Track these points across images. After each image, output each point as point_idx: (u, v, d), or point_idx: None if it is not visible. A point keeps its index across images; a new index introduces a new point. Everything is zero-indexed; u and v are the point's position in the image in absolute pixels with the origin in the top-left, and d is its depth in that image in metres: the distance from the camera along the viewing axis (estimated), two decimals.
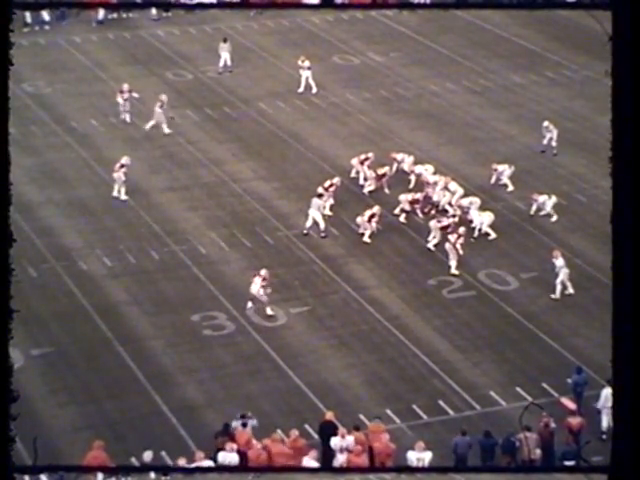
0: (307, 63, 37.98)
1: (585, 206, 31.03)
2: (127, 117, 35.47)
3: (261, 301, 25.86)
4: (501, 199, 31.30)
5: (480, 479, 19.19)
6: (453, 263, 27.58)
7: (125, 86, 35.68)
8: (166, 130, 34.42)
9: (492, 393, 23.55)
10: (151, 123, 34.71)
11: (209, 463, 20.17)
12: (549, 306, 26.54)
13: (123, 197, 31.22)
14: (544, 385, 23.69)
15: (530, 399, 23.14)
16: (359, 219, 29.11)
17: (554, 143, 33.73)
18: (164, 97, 35.26)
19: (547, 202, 30.12)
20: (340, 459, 20.54)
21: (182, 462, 20.01)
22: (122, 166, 31.22)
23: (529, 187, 31.62)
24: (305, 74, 37.91)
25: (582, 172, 32.98)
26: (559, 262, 26.64)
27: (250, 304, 25.95)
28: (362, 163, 31.84)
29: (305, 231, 29.26)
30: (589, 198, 31.39)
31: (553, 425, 21.30)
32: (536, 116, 35.73)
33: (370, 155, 31.90)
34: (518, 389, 23.63)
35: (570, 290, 26.65)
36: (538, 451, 20.97)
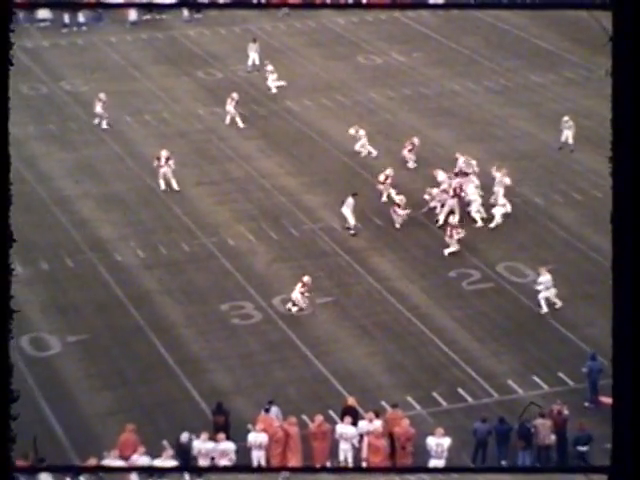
0: (271, 67, 37.84)
1: (601, 201, 30.86)
2: (104, 123, 35.19)
3: (298, 305, 25.69)
4: (519, 194, 31.18)
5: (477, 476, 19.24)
6: (452, 249, 27.67)
7: (102, 95, 35.40)
8: (240, 124, 34.96)
9: (509, 381, 23.51)
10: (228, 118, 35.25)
11: (230, 444, 20.34)
12: (565, 297, 26.43)
13: (175, 187, 31.43)
14: (560, 374, 23.64)
15: (546, 388, 23.13)
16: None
17: (571, 140, 33.58)
18: (235, 95, 35.55)
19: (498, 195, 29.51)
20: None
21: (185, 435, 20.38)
22: (168, 159, 31.47)
23: (547, 183, 31.49)
24: (272, 80, 37.74)
25: (598, 168, 32.80)
26: (544, 278, 25.40)
27: (290, 305, 25.80)
28: (410, 151, 32.13)
29: (352, 231, 29.02)
30: (605, 194, 31.22)
31: (566, 412, 21.28)
32: (554, 114, 35.58)
33: (415, 141, 32.02)
34: (535, 378, 23.58)
35: (558, 304, 25.56)
36: (552, 437, 20.98)
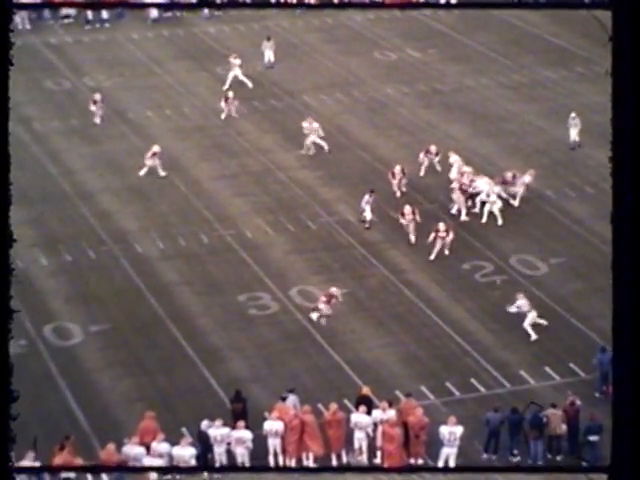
0: (238, 61, 37.54)
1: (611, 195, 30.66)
2: (98, 120, 35.05)
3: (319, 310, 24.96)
4: (531, 188, 31.04)
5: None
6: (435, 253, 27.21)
7: (97, 96, 35.31)
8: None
9: (521, 372, 23.46)
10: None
11: (246, 432, 20.37)
12: (577, 290, 26.36)
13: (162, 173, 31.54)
14: (571, 365, 23.57)
15: (558, 378, 23.10)
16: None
17: (577, 138, 33.29)
18: (230, 93, 35.28)
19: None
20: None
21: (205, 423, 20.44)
22: (155, 154, 31.54)
23: (559, 177, 31.36)
24: (235, 72, 37.45)
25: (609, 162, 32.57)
26: (522, 302, 24.26)
27: (315, 314, 25.00)
28: (426, 154, 31.62)
29: (367, 225, 28.88)
30: None
31: (578, 403, 21.23)
32: (566, 110, 35.38)
33: (432, 149, 31.52)
34: (546, 368, 23.52)
35: (533, 336, 24.35)
36: (564, 427, 20.95)
